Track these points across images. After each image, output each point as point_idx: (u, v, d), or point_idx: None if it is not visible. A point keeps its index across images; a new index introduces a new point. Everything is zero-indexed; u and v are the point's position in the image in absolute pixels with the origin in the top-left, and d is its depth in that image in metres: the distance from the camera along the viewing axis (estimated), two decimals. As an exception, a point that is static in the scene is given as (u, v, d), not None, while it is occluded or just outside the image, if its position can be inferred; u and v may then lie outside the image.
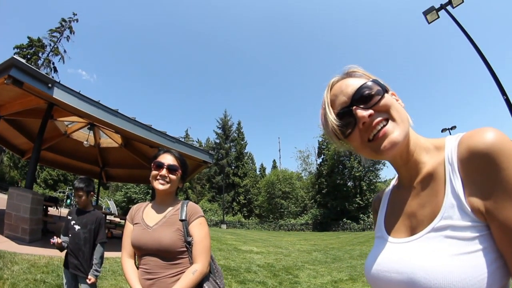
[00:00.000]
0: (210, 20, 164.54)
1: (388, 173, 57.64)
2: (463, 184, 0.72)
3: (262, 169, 68.97)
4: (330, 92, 0.89)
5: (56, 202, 12.63)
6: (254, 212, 53.57)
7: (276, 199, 47.20)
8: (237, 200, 52.71)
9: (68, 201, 31.04)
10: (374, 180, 42.33)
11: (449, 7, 10.24)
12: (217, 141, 60.59)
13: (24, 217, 7.15)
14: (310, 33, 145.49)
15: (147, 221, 1.93)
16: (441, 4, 10.36)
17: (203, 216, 1.97)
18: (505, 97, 8.44)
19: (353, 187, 43.29)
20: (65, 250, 3.46)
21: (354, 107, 0.81)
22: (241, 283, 6.55)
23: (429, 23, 10.92)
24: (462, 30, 9.83)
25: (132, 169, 15.61)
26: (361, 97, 0.81)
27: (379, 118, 0.79)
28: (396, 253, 0.80)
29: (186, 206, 1.96)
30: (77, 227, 3.45)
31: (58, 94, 7.13)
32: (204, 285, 1.80)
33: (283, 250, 12.66)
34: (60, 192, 37.60)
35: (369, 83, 0.82)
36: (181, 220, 1.88)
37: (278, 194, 47.38)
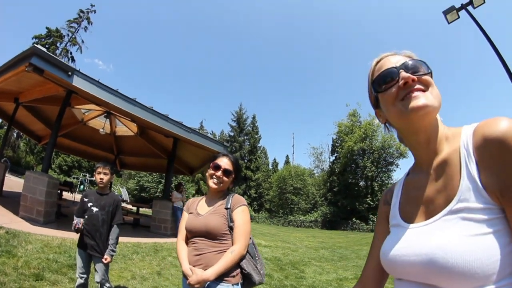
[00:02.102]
0: (229, 12, 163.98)
1: (400, 175, 56.99)
2: (478, 169, 0.75)
3: (275, 164, 68.78)
4: (384, 58, 0.97)
5: (71, 187, 12.91)
6: (265, 207, 53.47)
7: (287, 195, 47.15)
8: (248, 193, 52.55)
9: (82, 186, 31.47)
10: (387, 181, 41.55)
11: (469, 8, 10.06)
12: (231, 134, 60.39)
13: (39, 199, 7.36)
14: (329, 30, 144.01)
15: (200, 211, 2.27)
16: (461, 4, 10.17)
17: (246, 205, 2.24)
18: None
19: (364, 187, 42.90)
20: (78, 231, 3.58)
21: (401, 69, 0.89)
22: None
23: (449, 23, 10.68)
24: (482, 31, 9.66)
25: (146, 158, 15.82)
26: (410, 65, 0.89)
27: (419, 86, 0.86)
28: (414, 237, 0.84)
29: (232, 197, 2.26)
30: (95, 209, 3.59)
31: (77, 82, 7.25)
32: (242, 263, 2.08)
33: (291, 245, 12.71)
34: (74, 178, 38.17)
35: (421, 62, 0.90)
36: (226, 208, 2.18)
37: (289, 190, 47.29)
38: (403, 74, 0.87)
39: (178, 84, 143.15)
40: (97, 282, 3.63)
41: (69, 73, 7.08)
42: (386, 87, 0.91)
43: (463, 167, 0.78)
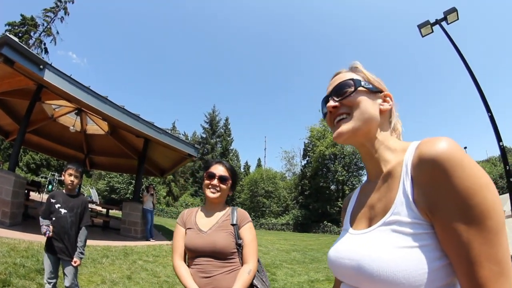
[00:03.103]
0: (203, 13, 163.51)
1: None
2: (412, 185, 0.78)
3: (247, 167, 68.97)
4: (332, 79, 1.07)
5: (39, 187, 12.50)
6: (236, 209, 53.24)
7: (258, 198, 47.28)
8: (220, 196, 52.29)
9: (50, 186, 30.50)
10: (357, 185, 42.33)
11: (443, 23, 10.44)
12: (204, 135, 60.03)
13: (5, 200, 7.11)
14: (302, 34, 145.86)
15: (201, 226, 2.10)
16: (436, 19, 10.55)
17: (251, 221, 2.18)
18: (490, 114, 8.65)
19: (335, 191, 43.47)
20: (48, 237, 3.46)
21: (330, 97, 1.00)
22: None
23: (422, 36, 11.12)
24: (455, 46, 10.04)
25: (117, 158, 15.55)
26: (335, 91, 0.99)
27: (341, 111, 0.96)
28: (352, 242, 0.89)
29: (236, 212, 2.16)
30: (63, 210, 3.50)
31: (49, 77, 7.05)
32: (254, 281, 1.99)
33: (263, 248, 12.75)
34: (42, 177, 36.97)
35: (348, 81, 0.97)
36: (232, 225, 2.07)
37: (261, 193, 47.45)
38: (328, 103, 0.99)
39: (152, 83, 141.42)
40: (66, 287, 3.51)
41: (41, 66, 6.87)
42: (324, 114, 1.05)
43: (401, 181, 0.82)
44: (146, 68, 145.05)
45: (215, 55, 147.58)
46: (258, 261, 2.15)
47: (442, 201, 0.71)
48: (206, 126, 60.76)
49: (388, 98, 0.99)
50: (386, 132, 0.98)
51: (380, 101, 0.98)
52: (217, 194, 2.13)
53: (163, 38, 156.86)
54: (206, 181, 2.16)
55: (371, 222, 0.90)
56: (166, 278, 6.23)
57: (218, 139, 59.90)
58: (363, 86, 0.96)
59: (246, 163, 69.99)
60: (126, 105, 9.03)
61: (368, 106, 0.94)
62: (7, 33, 6.42)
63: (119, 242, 8.60)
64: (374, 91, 0.97)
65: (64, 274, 3.52)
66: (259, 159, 71.73)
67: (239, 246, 2.04)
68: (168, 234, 12.82)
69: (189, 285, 1.91)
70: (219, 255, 1.98)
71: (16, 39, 6.61)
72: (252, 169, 66.77)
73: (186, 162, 14.28)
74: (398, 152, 0.92)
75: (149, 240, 10.06)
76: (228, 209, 2.21)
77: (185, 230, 2.15)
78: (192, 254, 2.05)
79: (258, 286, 2.00)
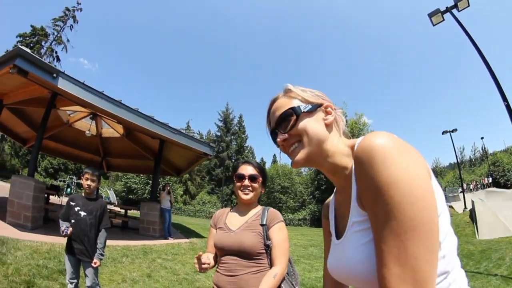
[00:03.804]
0: (215, 12, 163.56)
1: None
2: (356, 182, 0.78)
3: (262, 163, 68.76)
4: (271, 108, 1.08)
5: (58, 191, 12.78)
6: (253, 206, 53.33)
7: (275, 194, 47.33)
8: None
9: (69, 189, 31.10)
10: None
11: (454, 10, 10.22)
12: (218, 133, 60.68)
13: (26, 204, 7.29)
14: (316, 29, 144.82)
15: (230, 225, 2.10)
16: (446, 7, 10.34)
17: (283, 221, 2.09)
18: (506, 103, 8.45)
19: (351, 185, 43.24)
20: (66, 236, 3.58)
21: (277, 130, 1.02)
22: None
23: (433, 25, 10.88)
24: (467, 33, 9.84)
25: (133, 159, 15.73)
26: (280, 123, 1.00)
27: (292, 141, 0.97)
28: (336, 253, 0.92)
29: (267, 212, 2.10)
30: (82, 213, 3.60)
31: (62, 84, 7.18)
32: (282, 284, 1.91)
33: (280, 244, 12.80)
34: (60, 181, 37.71)
35: (288, 112, 0.98)
36: (262, 225, 2.02)
37: (277, 189, 47.49)
38: (277, 138, 1.00)
39: (165, 84, 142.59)
40: (88, 287, 3.64)
41: (54, 75, 7.01)
42: (278, 145, 1.04)
43: (352, 182, 0.83)
44: (158, 69, 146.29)
45: (225, 54, 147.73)
46: (290, 262, 2.11)
47: (364, 197, 0.73)
48: (220, 124, 61.14)
49: (329, 109, 1.00)
50: (337, 140, 0.97)
51: (322, 115, 0.99)
52: (250, 195, 2.12)
53: (174, 39, 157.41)
54: (237, 183, 2.15)
55: (345, 230, 0.90)
56: (185, 276, 6.34)
57: (232, 137, 60.26)
58: (303, 111, 0.97)
59: (262, 159, 70.11)
60: (140, 107, 9.14)
61: (314, 127, 0.95)
62: (19, 45, 6.57)
63: (138, 241, 8.75)
64: (315, 109, 0.99)
65: (85, 274, 3.65)
66: (274, 155, 71.78)
67: (267, 247, 1.99)
68: (186, 232, 12.95)
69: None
70: (246, 254, 1.96)
71: (28, 50, 6.77)
72: (267, 165, 66.75)
73: (202, 161, 14.35)
74: (350, 154, 0.92)
75: (168, 239, 10.19)
76: (260, 209, 2.17)
77: (215, 230, 2.17)
78: (220, 253, 2.07)
79: None
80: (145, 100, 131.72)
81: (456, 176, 46.24)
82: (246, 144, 62.05)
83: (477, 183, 49.00)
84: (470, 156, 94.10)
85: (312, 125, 0.95)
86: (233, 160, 57.11)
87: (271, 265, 1.96)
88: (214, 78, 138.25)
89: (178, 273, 6.45)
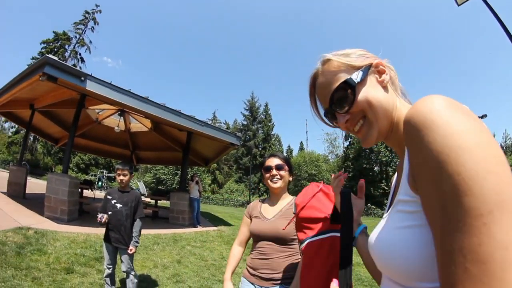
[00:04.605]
0: (235, 1, 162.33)
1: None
2: (408, 156, 0.66)
3: (289, 150, 68.63)
4: (314, 86, 0.97)
5: (91, 185, 13.28)
6: (280, 194, 53.27)
7: (302, 181, 47.11)
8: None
9: (100, 183, 32.23)
10: (401, 167, 41.21)
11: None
12: (244, 122, 60.67)
13: (62, 199, 7.78)
14: (344, 15, 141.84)
15: (265, 214, 2.34)
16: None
17: None
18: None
19: (379, 172, 42.41)
20: (104, 226, 4.00)
21: (334, 111, 0.89)
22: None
23: (458, 5, 10.46)
24: (494, 13, 9.45)
25: (162, 152, 16.10)
26: (336, 104, 0.87)
27: (356, 119, 0.86)
28: (377, 228, 0.82)
29: None
30: (118, 205, 3.98)
31: (91, 86, 7.52)
32: None
33: (306, 231, 12.92)
34: (92, 175, 39.08)
35: (340, 87, 0.85)
36: (294, 213, 2.19)
37: (304, 176, 47.25)
38: (339, 122, 0.90)
39: (190, 76, 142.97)
40: (124, 271, 4.07)
41: (82, 78, 7.34)
42: (335, 124, 0.95)
43: (405, 155, 0.70)
44: (182, 61, 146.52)
45: (248, 42, 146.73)
46: None
47: (417, 172, 0.59)
48: (246, 113, 61.11)
49: (380, 67, 0.87)
50: (399, 104, 0.85)
51: (376, 77, 0.86)
52: (279, 183, 2.31)
53: (196, 30, 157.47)
54: (266, 175, 2.35)
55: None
56: (213, 262, 6.67)
57: (259, 125, 60.09)
58: (357, 82, 0.83)
59: (289, 147, 69.69)
60: (166, 99, 9.52)
61: (375, 96, 0.82)
62: (43, 51, 7.02)
63: (168, 230, 9.11)
64: (367, 75, 0.85)
65: (121, 260, 4.04)
66: (301, 142, 71.11)
67: None
68: (214, 221, 13.25)
69: (227, 267, 2.33)
70: (280, 240, 2.18)
71: (56, 58, 7.12)
72: (294, 153, 66.44)
73: (229, 151, 14.51)
74: None
75: (196, 227, 10.51)
76: (292, 199, 2.34)
77: (250, 219, 2.44)
78: (256, 239, 2.32)
79: None
80: (171, 92, 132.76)
81: None
82: (273, 132, 61.72)
83: (510, 173, 47.26)
84: (501, 144, 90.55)
85: (372, 94, 0.83)
86: (260, 149, 57.14)
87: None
88: (238, 67, 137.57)
89: (206, 259, 6.78)
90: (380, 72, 0.86)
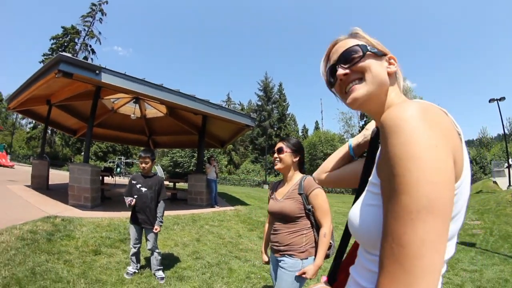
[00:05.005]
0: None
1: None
2: (380, 148, 0.76)
3: (305, 130, 68.55)
4: (333, 47, 1.03)
5: (111, 172, 13.64)
6: (296, 173, 53.15)
7: (317, 161, 46.93)
8: (279, 161, 52.44)
9: (118, 169, 33.22)
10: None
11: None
12: (259, 103, 60.64)
13: (85, 187, 8.18)
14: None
15: (277, 195, 2.66)
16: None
17: (318, 187, 2.47)
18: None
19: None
20: (130, 210, 4.37)
21: (337, 65, 0.97)
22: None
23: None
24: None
25: (178, 135, 16.39)
26: (343, 58, 0.96)
27: (353, 77, 0.94)
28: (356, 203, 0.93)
29: (303, 181, 2.52)
30: (143, 189, 4.35)
31: (106, 78, 7.66)
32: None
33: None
34: (110, 162, 40.05)
35: (355, 47, 0.94)
36: (300, 194, 2.48)
37: (320, 156, 47.05)
38: (338, 72, 0.96)
39: (203, 58, 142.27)
40: (149, 249, 4.46)
41: (97, 71, 7.47)
42: (333, 84, 1.03)
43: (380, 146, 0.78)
44: (194, 45, 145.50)
45: (263, 21, 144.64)
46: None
47: (380, 164, 0.72)
48: (261, 93, 60.97)
49: (392, 60, 0.98)
50: (396, 93, 0.97)
51: (386, 64, 0.96)
52: (279, 165, 2.60)
53: (207, 11, 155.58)
54: (272, 158, 2.66)
55: None
56: (230, 239, 7.00)
57: (273, 105, 60.00)
58: (369, 51, 0.94)
59: (304, 126, 69.75)
60: (181, 83, 9.55)
61: (378, 69, 0.92)
62: (52, 46, 7.13)
63: (187, 210, 9.45)
64: (380, 55, 0.95)
65: (147, 239, 4.43)
66: (317, 121, 70.64)
67: (309, 211, 2.44)
68: (231, 201, 13.50)
69: (263, 243, 2.96)
70: (287, 218, 2.48)
71: (69, 54, 7.27)
72: (310, 132, 66.18)
73: (245, 132, 14.59)
74: None
75: (214, 207, 10.79)
76: (299, 180, 2.57)
77: (269, 200, 2.76)
78: (270, 217, 2.78)
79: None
80: (185, 76, 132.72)
81: (503, 149, 42.61)
82: (288, 112, 61.72)
83: (526, 159, 45.91)
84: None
85: (377, 66, 0.93)
86: (275, 129, 57.18)
87: (314, 223, 2.48)
88: (252, 47, 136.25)
89: (224, 237, 7.10)
90: (390, 64, 0.97)
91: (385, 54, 0.97)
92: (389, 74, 0.95)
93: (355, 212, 0.85)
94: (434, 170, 0.59)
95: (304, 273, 2.34)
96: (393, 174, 0.62)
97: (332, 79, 1.02)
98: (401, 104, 0.70)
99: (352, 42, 0.97)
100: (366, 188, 0.86)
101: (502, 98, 21.74)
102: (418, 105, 0.67)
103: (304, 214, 2.47)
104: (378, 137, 1.02)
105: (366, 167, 1.09)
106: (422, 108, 0.67)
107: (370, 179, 0.85)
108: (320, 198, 2.45)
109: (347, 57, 0.95)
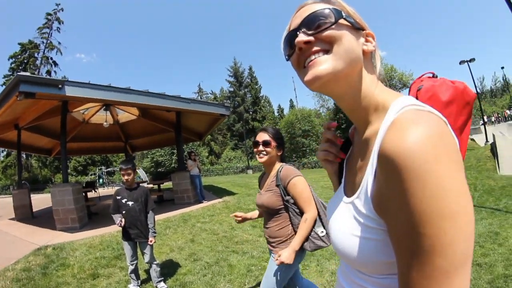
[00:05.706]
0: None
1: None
2: (374, 176, 0.66)
3: (280, 110, 69.01)
4: (298, 12, 0.80)
5: (94, 186, 13.40)
6: (277, 154, 53.66)
7: (297, 138, 47.25)
8: (259, 144, 52.82)
9: (101, 180, 32.65)
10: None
11: None
12: (231, 89, 60.70)
13: (69, 208, 7.91)
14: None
15: (261, 188, 2.68)
16: None
17: (296, 175, 2.40)
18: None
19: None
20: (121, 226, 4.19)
21: (299, 31, 0.75)
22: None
23: None
24: None
25: (154, 135, 16.11)
26: (308, 22, 0.74)
27: (317, 48, 0.73)
28: (336, 212, 0.85)
29: (280, 172, 2.45)
30: (130, 203, 4.21)
31: (70, 91, 7.33)
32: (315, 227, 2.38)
33: (308, 188, 13.10)
34: (91, 175, 39.36)
35: (326, 11, 0.73)
36: (277, 185, 2.43)
37: (299, 133, 47.30)
38: (298, 37, 0.74)
39: (169, 53, 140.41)
40: (147, 263, 4.36)
41: (60, 86, 7.14)
42: (289, 55, 0.81)
43: (370, 164, 0.69)
44: (158, 40, 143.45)
45: (223, 7, 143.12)
46: (324, 206, 2.45)
47: (390, 215, 0.59)
48: (232, 79, 61.01)
49: (370, 38, 0.78)
50: (371, 78, 0.77)
51: (362, 40, 0.76)
52: (264, 158, 2.50)
53: (166, 6, 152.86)
54: (254, 149, 2.54)
55: (348, 194, 0.82)
56: (224, 234, 6.96)
57: (246, 90, 60.27)
58: (345, 19, 0.73)
59: (279, 106, 70.21)
60: (150, 81, 9.29)
61: (352, 43, 0.72)
62: (12, 66, 6.78)
63: (176, 211, 9.35)
64: (356, 28, 0.75)
65: (143, 253, 4.32)
66: (291, 99, 71.42)
67: (287, 202, 2.38)
68: (218, 192, 13.48)
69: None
70: (269, 210, 2.47)
71: (28, 73, 6.93)
72: (286, 111, 66.58)
73: (221, 122, 14.46)
74: (380, 112, 0.73)
75: (202, 202, 10.78)
76: (276, 171, 2.51)
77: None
78: (260, 210, 2.74)
79: (318, 232, 2.36)
80: (155, 73, 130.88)
81: (476, 108, 44.32)
82: (261, 95, 62.00)
83: (499, 115, 48.15)
84: (491, 87, 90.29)
85: (350, 39, 0.72)
86: (250, 113, 57.39)
87: (294, 215, 2.40)
88: (217, 34, 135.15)
89: (217, 233, 7.06)
90: (368, 41, 0.78)
91: (362, 29, 0.77)
92: (364, 53, 0.75)
93: (345, 242, 0.75)
94: (469, 224, 0.52)
95: (280, 256, 2.24)
96: (420, 233, 0.51)
97: (287, 52, 0.81)
98: (409, 128, 0.56)
99: (322, 6, 0.74)
100: (352, 214, 0.74)
101: (472, 60, 22.89)
102: (434, 133, 0.54)
103: (283, 206, 2.44)
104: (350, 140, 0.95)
105: (341, 169, 0.98)
106: (440, 136, 0.54)
107: (357, 204, 0.73)
108: (298, 187, 2.38)
109: (313, 21, 0.73)
